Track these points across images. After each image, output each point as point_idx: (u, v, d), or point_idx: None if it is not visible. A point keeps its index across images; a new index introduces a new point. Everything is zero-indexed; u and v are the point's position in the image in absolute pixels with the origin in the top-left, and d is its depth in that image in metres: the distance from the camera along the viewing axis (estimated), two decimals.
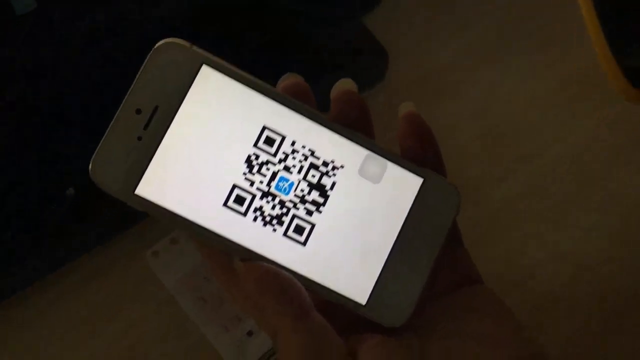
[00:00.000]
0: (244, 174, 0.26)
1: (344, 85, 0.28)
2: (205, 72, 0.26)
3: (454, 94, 0.51)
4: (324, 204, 0.27)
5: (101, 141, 0.25)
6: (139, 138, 0.25)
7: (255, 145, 0.26)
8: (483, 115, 0.50)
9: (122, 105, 0.25)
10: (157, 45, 0.26)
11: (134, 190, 0.25)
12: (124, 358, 0.41)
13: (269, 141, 0.26)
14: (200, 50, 0.26)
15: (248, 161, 0.26)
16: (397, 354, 0.25)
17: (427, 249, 0.27)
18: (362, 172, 0.27)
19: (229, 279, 0.26)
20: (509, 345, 0.26)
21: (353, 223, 0.27)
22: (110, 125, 0.25)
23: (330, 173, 0.27)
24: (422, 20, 0.53)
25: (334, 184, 0.27)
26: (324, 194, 0.27)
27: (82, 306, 0.42)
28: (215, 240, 0.26)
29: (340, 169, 0.27)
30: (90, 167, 0.25)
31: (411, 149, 0.28)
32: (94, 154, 0.25)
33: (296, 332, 0.24)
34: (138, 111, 0.25)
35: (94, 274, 0.43)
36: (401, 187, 0.27)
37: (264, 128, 0.26)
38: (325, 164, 0.27)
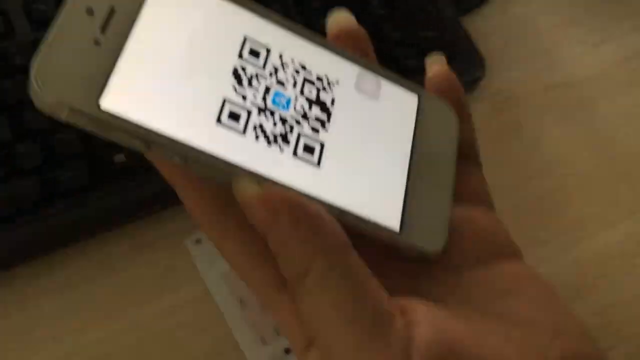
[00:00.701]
0: (234, 87, 0.23)
1: (340, 19, 0.26)
2: None
3: (573, 114, 0.44)
4: (328, 121, 0.24)
5: (44, 45, 0.20)
6: (96, 42, 0.21)
7: (240, 57, 0.23)
8: (606, 145, 0.43)
9: (67, 2, 0.21)
10: None
11: (98, 101, 0.20)
12: (139, 347, 0.36)
13: (254, 53, 0.24)
14: None
15: (235, 73, 0.23)
16: (457, 320, 0.21)
17: (444, 163, 0.25)
18: (358, 87, 0.25)
19: (219, 212, 0.23)
20: (555, 336, 0.22)
21: (363, 141, 0.25)
22: (54, 27, 0.20)
23: (327, 88, 0.25)
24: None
25: (333, 99, 0.25)
26: (325, 109, 0.25)
27: (109, 284, 0.37)
28: (211, 164, 0.21)
29: (336, 85, 0.25)
30: (35, 77, 0.20)
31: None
32: (36, 59, 0.20)
33: (335, 271, 0.20)
34: (90, 11, 0.21)
35: (127, 251, 0.38)
36: (400, 103, 0.26)
37: (245, 39, 0.24)
38: (319, 79, 0.25)
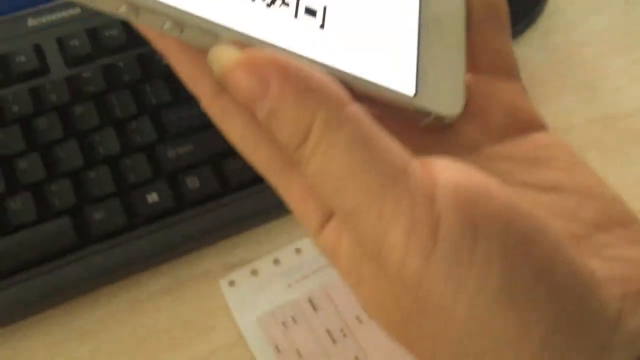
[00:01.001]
0: None
1: None
2: None
3: (620, 148, 0.42)
4: None
5: None
6: None
7: None
8: None
9: None
10: None
11: None
12: None
13: None
14: None
15: None
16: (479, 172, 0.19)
17: (453, 23, 0.23)
18: None
19: (217, 85, 0.20)
20: (586, 199, 0.21)
21: (369, 2, 0.22)
22: None
23: None
24: None
25: None
26: None
27: (141, 326, 0.37)
28: (206, 27, 0.19)
29: None
30: None
31: None
32: None
33: (335, 124, 0.18)
34: None
35: (159, 293, 0.37)
36: None
37: None
38: None
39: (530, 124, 0.23)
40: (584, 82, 0.47)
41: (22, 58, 0.38)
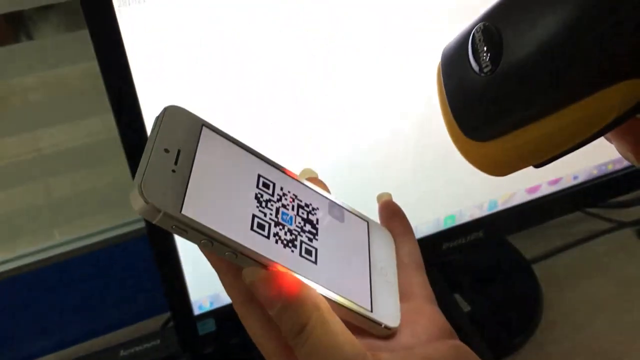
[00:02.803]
0: (257, 207, 0.31)
1: (307, 172, 0.37)
2: (206, 131, 0.32)
3: None
4: (317, 234, 0.33)
5: (143, 172, 0.28)
6: (173, 171, 0.29)
7: (257, 186, 0.32)
8: None
9: (152, 146, 0.29)
10: (165, 107, 0.31)
11: (181, 211, 0.28)
12: None
13: (266, 185, 0.32)
14: (198, 115, 0.32)
15: (257, 198, 0.31)
16: None
17: (389, 267, 0.35)
18: (330, 213, 0.35)
19: (247, 294, 0.31)
20: None
21: (340, 249, 0.34)
22: (146, 160, 0.29)
23: (312, 212, 0.34)
24: None
25: (317, 220, 0.34)
26: (314, 227, 0.33)
27: None
28: (252, 256, 0.29)
29: (317, 210, 0.34)
30: (140, 192, 0.27)
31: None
32: (142, 182, 0.28)
33: (324, 324, 0.28)
34: (166, 150, 0.30)
35: None
36: (357, 226, 0.36)
37: (259, 175, 0.33)
38: (306, 205, 0.34)
39: (445, 333, 0.33)
40: None
41: None
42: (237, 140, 0.33)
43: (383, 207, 0.38)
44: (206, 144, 0.31)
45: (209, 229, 0.28)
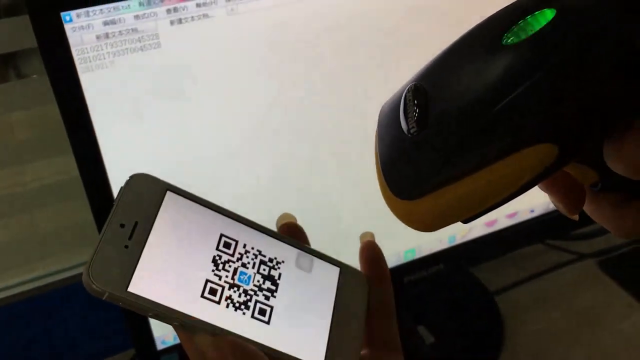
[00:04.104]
0: (213, 270, 0.32)
1: (285, 217, 0.37)
2: (170, 195, 0.33)
3: None
4: (276, 291, 0.33)
5: (94, 252, 0.30)
6: (126, 247, 0.30)
7: (217, 248, 0.33)
8: None
9: (108, 221, 0.31)
10: (130, 176, 0.32)
11: (127, 289, 0.30)
12: None
13: (227, 245, 0.33)
14: (163, 180, 0.33)
15: (214, 261, 0.32)
16: None
17: (356, 318, 0.35)
18: (297, 265, 0.35)
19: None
20: None
21: (300, 304, 0.34)
22: (101, 237, 0.30)
23: (276, 267, 0.34)
24: None
25: (280, 275, 0.34)
26: (274, 283, 0.34)
27: None
28: (198, 325, 0.31)
29: (282, 264, 0.34)
30: (88, 274, 0.29)
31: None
32: (91, 264, 0.29)
33: None
34: (122, 225, 0.31)
35: None
36: (327, 274, 0.36)
37: (221, 235, 0.33)
38: (270, 260, 0.34)
39: (392, 345, 0.34)
40: None
41: None
42: (204, 201, 0.34)
43: (364, 249, 0.37)
44: (168, 210, 0.32)
45: (153, 303, 0.30)
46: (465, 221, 0.24)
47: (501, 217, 0.72)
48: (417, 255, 0.70)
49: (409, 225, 0.24)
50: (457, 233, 0.70)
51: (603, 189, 0.24)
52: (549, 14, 0.21)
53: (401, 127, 0.24)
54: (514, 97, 0.21)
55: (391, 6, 0.54)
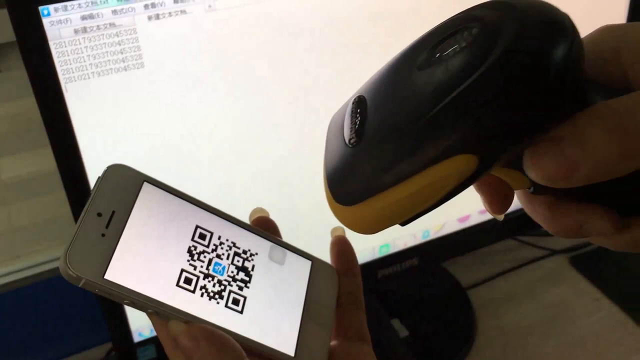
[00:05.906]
0: (188, 260, 0.33)
1: (257, 211, 0.38)
2: (147, 186, 0.33)
3: None
4: (249, 282, 0.34)
5: (72, 239, 0.30)
6: (103, 235, 0.31)
7: (193, 239, 0.34)
8: None
9: (85, 210, 0.31)
10: (108, 166, 0.33)
11: (104, 276, 0.30)
12: None
13: (202, 236, 0.34)
14: (140, 171, 0.34)
15: (189, 251, 0.33)
16: None
17: (326, 309, 0.36)
18: (270, 257, 0.36)
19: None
20: None
21: (272, 295, 0.35)
22: (78, 225, 0.31)
23: (249, 259, 0.35)
24: None
25: (253, 266, 0.35)
26: (247, 274, 0.35)
27: None
28: (173, 313, 0.31)
29: (255, 255, 0.35)
30: (65, 261, 0.29)
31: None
32: (68, 250, 0.30)
33: None
34: (99, 214, 0.31)
35: None
36: (299, 267, 0.37)
37: (197, 226, 0.34)
38: (244, 252, 0.35)
39: (361, 336, 0.35)
40: None
41: None
42: (180, 193, 0.34)
43: (334, 243, 0.39)
44: (144, 201, 0.33)
45: (129, 290, 0.30)
46: (403, 224, 0.25)
47: (474, 214, 0.74)
48: (391, 250, 0.71)
49: (350, 229, 0.26)
50: (430, 228, 0.72)
51: (536, 192, 0.26)
52: (474, 32, 0.23)
53: (344, 136, 0.26)
54: (435, 113, 0.22)
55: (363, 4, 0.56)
